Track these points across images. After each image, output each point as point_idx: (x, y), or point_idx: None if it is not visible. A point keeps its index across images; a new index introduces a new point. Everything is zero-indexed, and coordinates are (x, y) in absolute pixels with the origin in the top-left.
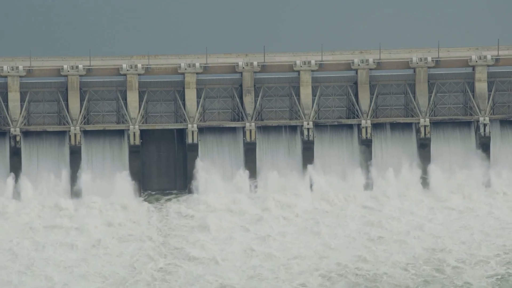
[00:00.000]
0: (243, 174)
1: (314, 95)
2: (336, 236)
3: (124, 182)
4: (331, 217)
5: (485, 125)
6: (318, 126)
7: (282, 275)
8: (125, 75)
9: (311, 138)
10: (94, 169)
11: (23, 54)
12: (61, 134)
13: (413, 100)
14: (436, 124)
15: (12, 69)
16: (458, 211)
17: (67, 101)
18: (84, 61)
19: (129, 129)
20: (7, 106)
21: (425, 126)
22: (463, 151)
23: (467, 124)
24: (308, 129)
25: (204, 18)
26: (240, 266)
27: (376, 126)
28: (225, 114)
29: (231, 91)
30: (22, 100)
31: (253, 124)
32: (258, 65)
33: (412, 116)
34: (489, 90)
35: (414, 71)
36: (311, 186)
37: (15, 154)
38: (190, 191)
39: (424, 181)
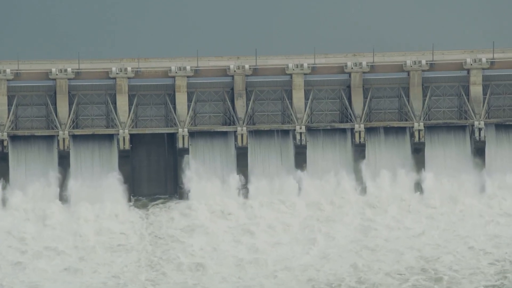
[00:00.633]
0: (235, 179)
1: (306, 98)
2: (328, 244)
3: (113, 187)
4: (323, 224)
5: (480, 129)
6: (310, 130)
7: (271, 285)
8: (114, 78)
9: (303, 142)
10: (83, 175)
11: (11, 57)
12: (50, 138)
13: (407, 103)
14: (430, 128)
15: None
16: (452, 217)
17: (55, 105)
18: (73, 64)
19: (118, 134)
20: None
21: (419, 130)
22: (457, 156)
23: (462, 128)
24: (300, 133)
25: (195, 20)
26: (230, 276)
27: (370, 130)
28: (216, 118)
29: (222, 95)
30: (9, 104)
31: (244, 128)
32: (250, 68)
33: (406, 120)
34: (484, 93)
35: (408, 74)
36: (303, 191)
37: (2, 159)
38: (180, 197)
39: (418, 186)
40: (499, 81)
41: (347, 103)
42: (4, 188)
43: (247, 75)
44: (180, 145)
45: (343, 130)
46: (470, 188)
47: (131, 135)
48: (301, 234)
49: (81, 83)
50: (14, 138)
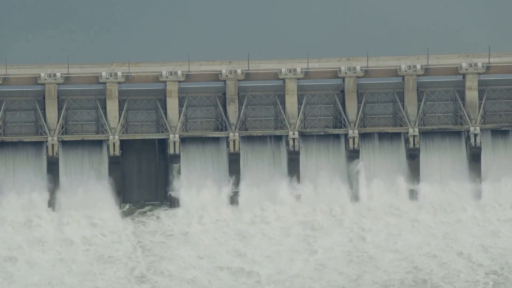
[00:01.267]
0: (227, 185)
1: (299, 104)
2: (321, 254)
3: (103, 194)
4: (316, 231)
5: (475, 135)
6: (304, 136)
7: None
8: (104, 83)
9: (296, 148)
10: (72, 181)
11: None
12: (38, 144)
13: (401, 109)
14: (425, 134)
15: None
16: (447, 224)
17: (44, 110)
18: (62, 68)
19: (108, 139)
20: None
21: (414, 136)
22: (453, 161)
23: (458, 133)
24: (293, 139)
25: (186, 24)
26: (223, 284)
27: (364, 136)
28: (208, 123)
29: (214, 100)
30: None
31: (237, 134)
32: (242, 73)
33: (401, 126)
34: (480, 98)
35: (403, 79)
36: (296, 197)
37: None
38: (171, 203)
39: (413, 193)
40: (495, 86)
41: (340, 108)
42: None
43: (239, 80)
44: (171, 151)
45: (337, 136)
46: (466, 195)
47: (121, 141)
48: (293, 243)
49: (71, 88)
50: (2, 144)
